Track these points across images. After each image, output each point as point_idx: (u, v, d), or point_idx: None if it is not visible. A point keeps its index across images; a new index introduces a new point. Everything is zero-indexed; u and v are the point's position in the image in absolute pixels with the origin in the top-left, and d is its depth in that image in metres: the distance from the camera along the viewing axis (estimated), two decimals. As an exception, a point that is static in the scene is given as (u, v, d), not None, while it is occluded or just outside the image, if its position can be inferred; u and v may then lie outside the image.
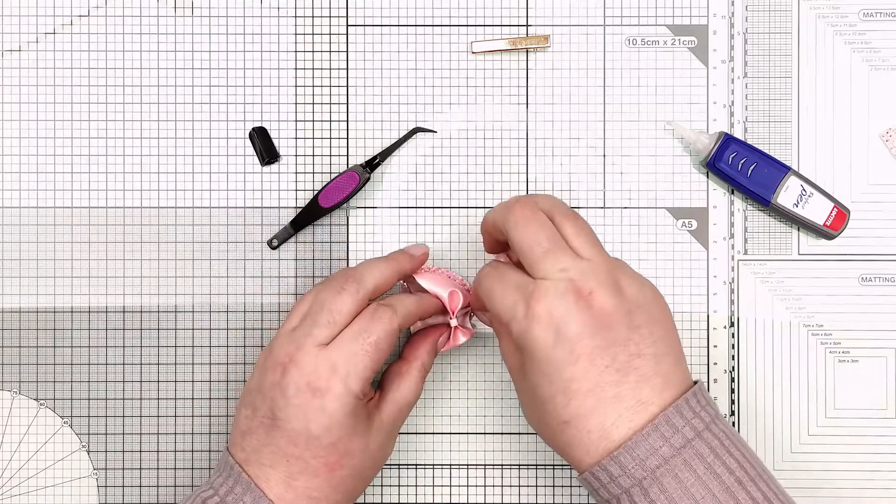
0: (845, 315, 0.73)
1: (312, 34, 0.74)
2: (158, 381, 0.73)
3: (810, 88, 0.74)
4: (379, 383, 0.67)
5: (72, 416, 0.73)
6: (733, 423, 0.73)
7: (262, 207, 0.73)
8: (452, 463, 0.73)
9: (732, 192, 0.74)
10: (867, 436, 0.73)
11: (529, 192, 0.73)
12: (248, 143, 0.74)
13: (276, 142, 0.74)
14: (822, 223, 0.72)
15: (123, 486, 0.73)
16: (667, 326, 0.60)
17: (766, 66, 0.74)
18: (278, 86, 0.74)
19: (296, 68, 0.74)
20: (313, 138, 0.74)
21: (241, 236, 0.73)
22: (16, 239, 0.73)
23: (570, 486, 0.73)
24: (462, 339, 0.69)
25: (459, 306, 0.68)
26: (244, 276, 0.73)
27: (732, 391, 0.73)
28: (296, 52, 0.74)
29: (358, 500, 0.68)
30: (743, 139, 0.73)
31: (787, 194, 0.72)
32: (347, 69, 0.74)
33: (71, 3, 0.74)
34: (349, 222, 0.74)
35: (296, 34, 0.74)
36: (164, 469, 0.73)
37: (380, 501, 0.73)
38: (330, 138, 0.74)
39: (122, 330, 0.73)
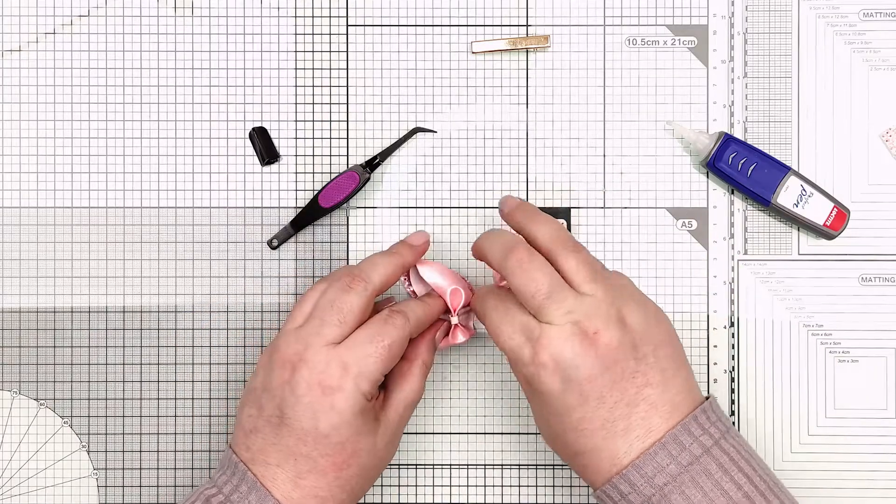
0: (845, 315, 0.73)
1: (312, 34, 0.74)
2: (158, 381, 0.73)
3: (810, 88, 0.74)
4: (382, 384, 0.67)
5: (72, 416, 0.73)
6: (733, 423, 0.73)
7: (262, 207, 0.73)
8: (452, 463, 0.73)
9: (732, 192, 0.74)
10: (867, 436, 0.73)
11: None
12: (248, 143, 0.74)
13: (276, 142, 0.74)
14: (822, 223, 0.72)
15: (123, 486, 0.73)
16: (672, 346, 0.61)
17: (766, 66, 0.74)
18: (278, 86, 0.74)
19: (296, 68, 0.74)
20: (313, 138, 0.74)
21: (241, 236, 0.73)
22: (16, 239, 0.73)
23: (570, 486, 0.73)
24: (461, 338, 0.69)
25: (461, 304, 0.68)
26: (244, 276, 0.73)
27: (732, 391, 0.73)
28: (296, 52, 0.74)
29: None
30: (743, 139, 0.73)
31: (787, 194, 0.71)
32: (347, 69, 0.74)
33: (71, 3, 0.74)
34: (349, 222, 0.74)
35: (296, 34, 0.74)
36: (164, 469, 0.73)
37: (380, 501, 0.73)
38: (330, 138, 0.74)
39: (122, 330, 0.73)
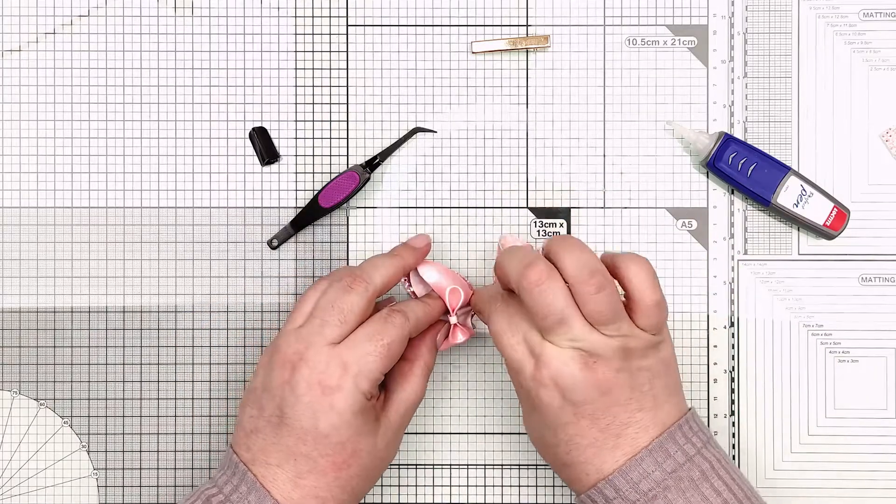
0: (845, 315, 0.73)
1: (312, 34, 0.74)
2: (158, 381, 0.73)
3: (810, 88, 0.74)
4: (383, 385, 0.67)
5: (72, 416, 0.73)
6: (733, 423, 0.73)
7: (262, 207, 0.73)
8: (452, 463, 0.73)
9: (732, 192, 0.74)
10: (867, 436, 0.73)
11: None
12: (248, 143, 0.74)
13: (276, 142, 0.74)
14: (822, 223, 0.72)
15: (123, 486, 0.73)
16: (668, 376, 0.62)
17: (766, 66, 0.74)
18: (278, 86, 0.74)
19: (296, 68, 0.74)
20: (313, 138, 0.74)
21: (241, 236, 0.73)
22: (16, 239, 0.73)
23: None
24: (461, 337, 0.69)
25: (460, 304, 0.68)
26: (244, 276, 0.73)
27: (732, 391, 0.73)
28: (296, 52, 0.74)
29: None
30: (743, 139, 0.73)
31: (787, 194, 0.71)
32: (347, 69, 0.74)
33: (71, 3, 0.74)
34: (349, 222, 0.74)
35: (296, 34, 0.74)
36: (164, 469, 0.73)
37: (380, 501, 0.73)
38: (330, 138, 0.74)
39: (122, 330, 0.73)
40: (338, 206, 0.72)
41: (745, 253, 0.73)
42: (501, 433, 0.73)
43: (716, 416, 0.73)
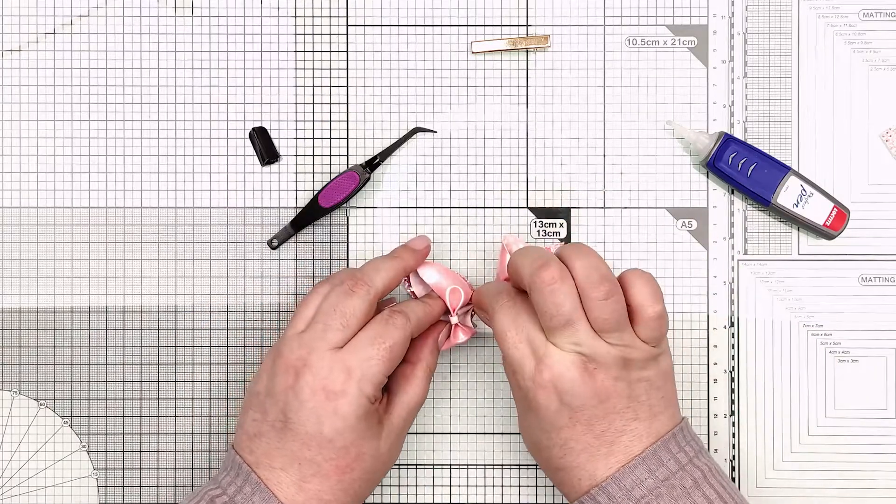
0: (845, 315, 0.73)
1: (312, 34, 0.74)
2: (158, 381, 0.73)
3: (810, 88, 0.74)
4: (386, 387, 0.67)
5: (72, 416, 0.73)
6: (733, 423, 0.73)
7: (262, 207, 0.73)
8: (452, 463, 0.73)
9: (732, 192, 0.74)
10: (867, 436, 0.73)
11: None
12: (248, 143, 0.74)
13: (276, 142, 0.74)
14: (822, 223, 0.72)
15: (123, 486, 0.73)
16: (666, 388, 0.63)
17: (766, 66, 0.74)
18: (278, 86, 0.74)
19: (296, 68, 0.74)
20: (313, 138, 0.74)
21: (241, 236, 0.73)
22: (16, 239, 0.73)
23: (570, 486, 0.73)
24: (462, 337, 0.69)
25: (460, 304, 0.68)
26: (244, 276, 0.73)
27: (732, 391, 0.73)
28: (296, 52, 0.74)
29: (358, 500, 0.69)
30: (743, 139, 0.73)
31: (787, 194, 0.72)
32: (347, 69, 0.74)
33: (71, 3, 0.74)
34: (349, 222, 0.74)
35: (296, 34, 0.74)
36: (164, 469, 0.73)
37: (380, 501, 0.73)
38: (330, 138, 0.74)
39: (122, 330, 0.73)
40: (338, 206, 0.72)
41: (745, 253, 0.73)
42: (501, 433, 0.73)
43: (716, 416, 0.73)
